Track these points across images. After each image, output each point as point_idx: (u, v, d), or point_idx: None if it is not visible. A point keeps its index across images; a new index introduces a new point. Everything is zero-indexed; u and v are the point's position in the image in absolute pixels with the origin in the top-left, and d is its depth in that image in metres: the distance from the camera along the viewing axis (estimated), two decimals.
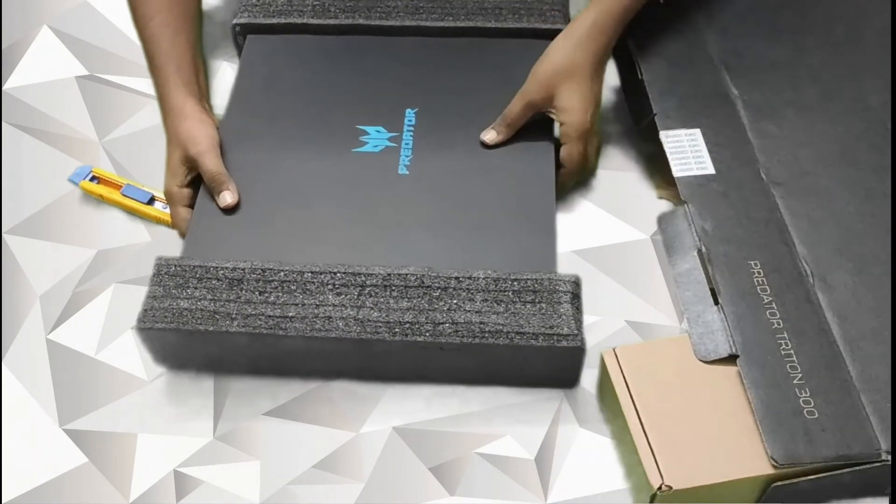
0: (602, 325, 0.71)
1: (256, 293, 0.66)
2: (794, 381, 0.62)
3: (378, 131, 0.77)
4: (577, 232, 0.77)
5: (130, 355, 0.71)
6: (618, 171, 0.81)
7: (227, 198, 0.73)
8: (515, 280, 0.66)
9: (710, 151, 0.74)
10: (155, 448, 0.67)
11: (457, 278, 0.66)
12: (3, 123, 0.86)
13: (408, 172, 0.74)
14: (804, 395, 0.61)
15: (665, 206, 0.78)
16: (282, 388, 0.69)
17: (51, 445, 0.67)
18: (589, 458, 0.66)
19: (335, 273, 0.67)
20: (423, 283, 0.66)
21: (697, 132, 0.75)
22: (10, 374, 0.71)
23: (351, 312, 0.65)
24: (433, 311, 0.65)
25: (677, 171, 0.73)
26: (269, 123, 0.79)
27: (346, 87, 0.81)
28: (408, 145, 0.76)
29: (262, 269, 0.67)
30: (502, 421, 0.67)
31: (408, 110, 0.79)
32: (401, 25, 0.84)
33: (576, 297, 0.66)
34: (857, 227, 0.70)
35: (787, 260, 0.68)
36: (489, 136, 0.76)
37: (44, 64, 0.91)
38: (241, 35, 0.87)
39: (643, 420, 0.61)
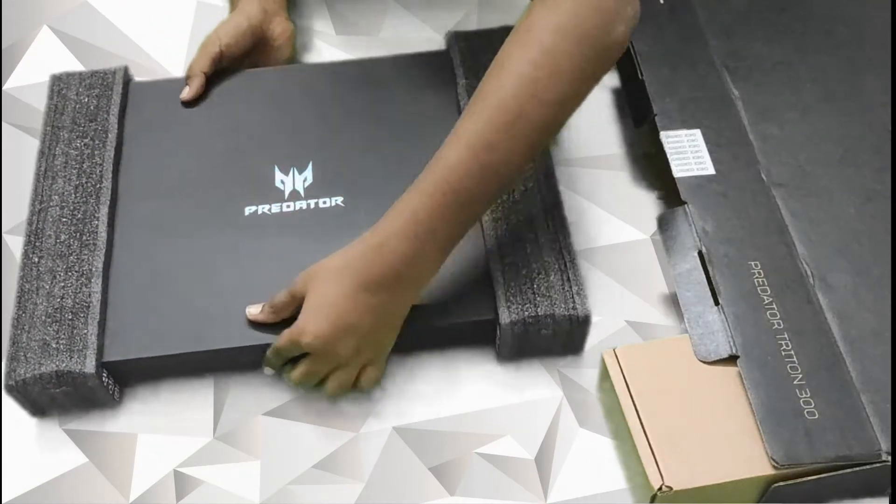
0: (602, 325, 0.71)
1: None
2: (795, 382, 0.62)
3: (304, 177, 0.74)
4: (577, 232, 0.77)
5: None
6: (618, 171, 0.81)
7: (184, 91, 0.78)
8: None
9: (710, 152, 0.74)
10: (155, 448, 0.67)
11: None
12: (3, 123, 0.86)
13: (246, 216, 0.72)
14: (804, 395, 0.61)
15: (665, 206, 0.78)
16: (282, 388, 0.69)
17: (51, 445, 0.67)
18: (589, 458, 0.66)
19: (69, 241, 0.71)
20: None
21: (698, 133, 0.75)
22: None
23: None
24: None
25: (677, 171, 0.73)
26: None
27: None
28: (296, 204, 0.72)
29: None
30: (502, 421, 0.67)
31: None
32: None
33: None
34: (857, 227, 0.70)
35: (787, 260, 0.68)
36: (253, 310, 0.67)
37: (44, 64, 0.91)
38: None
39: (643, 420, 0.61)
